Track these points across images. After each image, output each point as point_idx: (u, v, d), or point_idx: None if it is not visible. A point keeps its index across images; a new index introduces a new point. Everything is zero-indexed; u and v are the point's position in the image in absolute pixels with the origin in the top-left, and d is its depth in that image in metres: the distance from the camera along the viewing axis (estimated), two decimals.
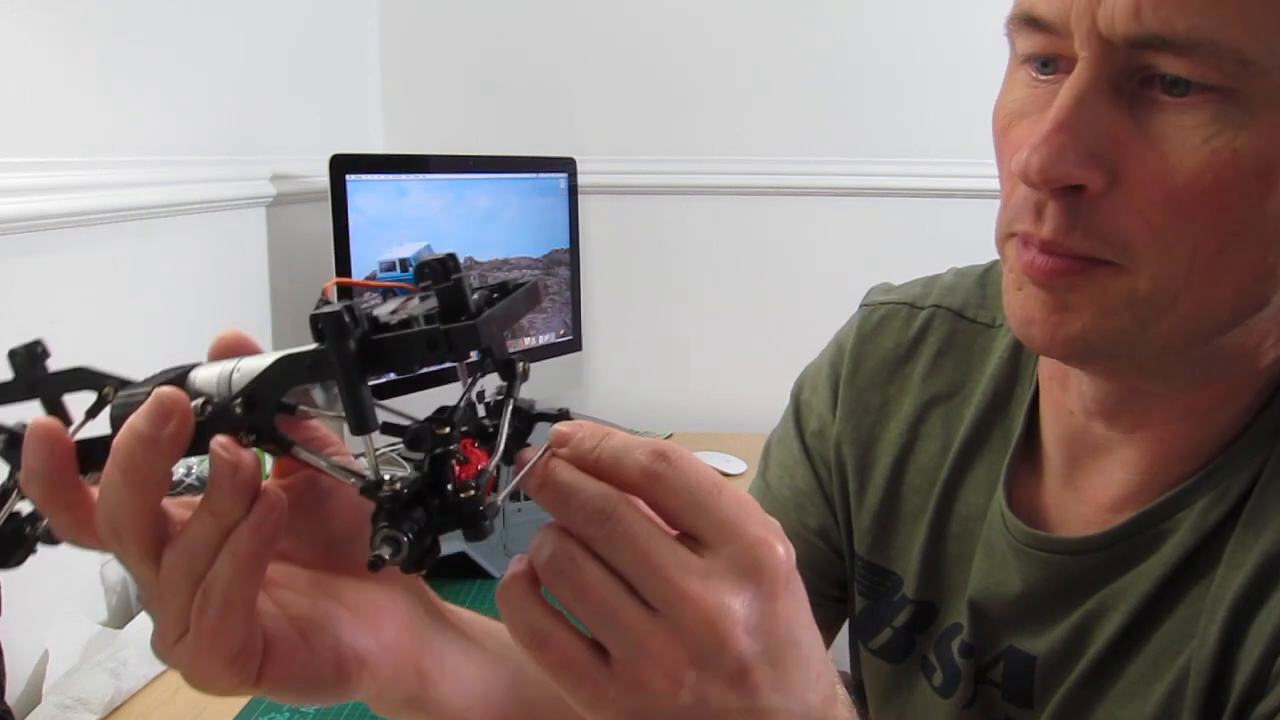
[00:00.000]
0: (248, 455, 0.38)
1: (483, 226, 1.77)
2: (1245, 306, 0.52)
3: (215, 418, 0.39)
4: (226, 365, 0.40)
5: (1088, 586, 0.60)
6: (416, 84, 2.10)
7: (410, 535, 0.35)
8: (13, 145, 1.12)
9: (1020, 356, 0.68)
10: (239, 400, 0.38)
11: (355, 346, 0.36)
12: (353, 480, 0.38)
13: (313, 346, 0.37)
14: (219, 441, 0.38)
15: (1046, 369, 0.65)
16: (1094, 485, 0.62)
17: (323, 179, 1.50)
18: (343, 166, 1.51)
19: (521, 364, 0.41)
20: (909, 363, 0.71)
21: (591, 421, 0.42)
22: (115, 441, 0.38)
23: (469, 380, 0.41)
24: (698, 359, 2.15)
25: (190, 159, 1.46)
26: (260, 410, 0.38)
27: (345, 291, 0.40)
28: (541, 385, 1.92)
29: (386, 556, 0.35)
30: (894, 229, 2.05)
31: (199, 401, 0.39)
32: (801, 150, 2.05)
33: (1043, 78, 0.53)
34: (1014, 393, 0.67)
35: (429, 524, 0.36)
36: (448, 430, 0.37)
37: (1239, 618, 0.54)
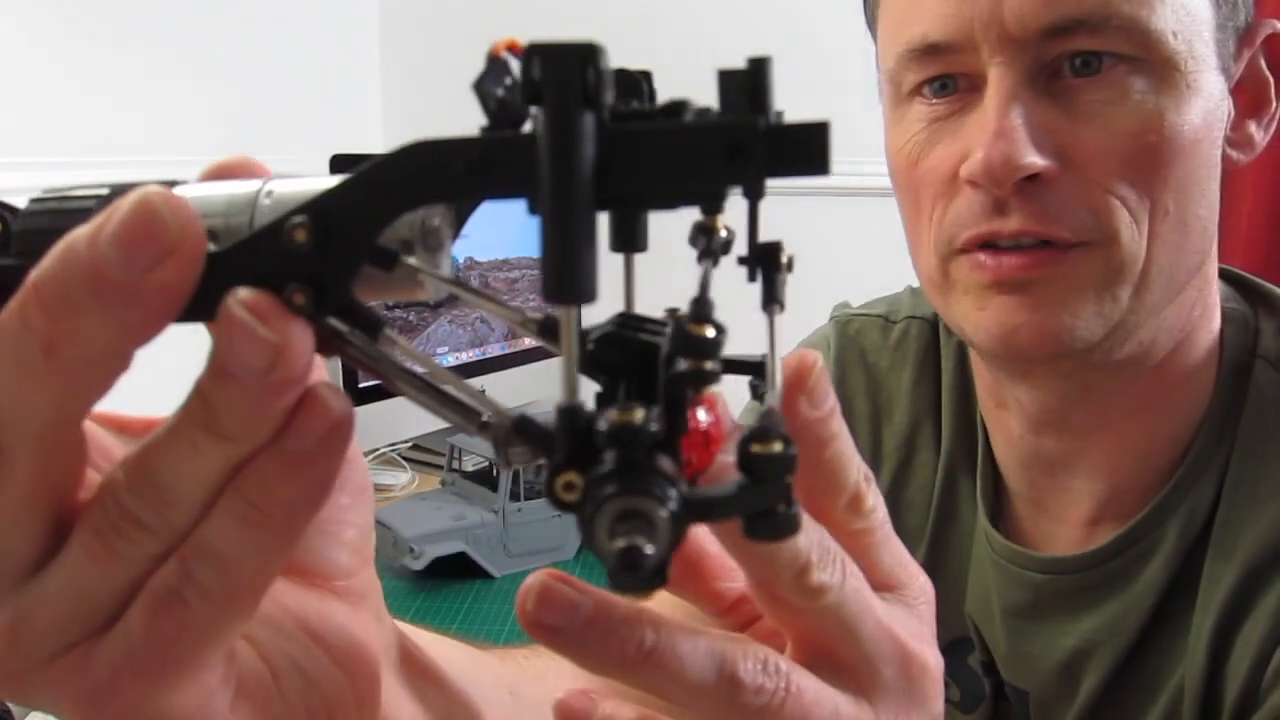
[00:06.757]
0: (299, 328, 0.21)
1: (483, 226, 1.77)
2: (1194, 266, 0.54)
3: (243, 253, 0.21)
4: (247, 185, 0.24)
5: (1070, 610, 0.59)
6: (416, 84, 2.10)
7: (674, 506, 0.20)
8: (13, 145, 1.12)
9: (966, 368, 0.67)
10: (300, 223, 0.21)
11: (594, 130, 0.20)
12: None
13: (474, 134, 0.21)
14: (246, 299, 0.21)
15: (983, 392, 0.64)
16: (1061, 504, 0.61)
17: None
18: (343, 166, 1.49)
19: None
20: (894, 372, 0.71)
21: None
22: (40, 272, 0.21)
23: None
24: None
25: (190, 159, 1.45)
26: (343, 247, 0.21)
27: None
28: (541, 385, 1.92)
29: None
30: (892, 229, 2.05)
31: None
32: None
33: (940, 100, 0.54)
34: (971, 406, 0.67)
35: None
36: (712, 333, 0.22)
37: (1224, 633, 0.54)
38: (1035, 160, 0.50)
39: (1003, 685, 0.64)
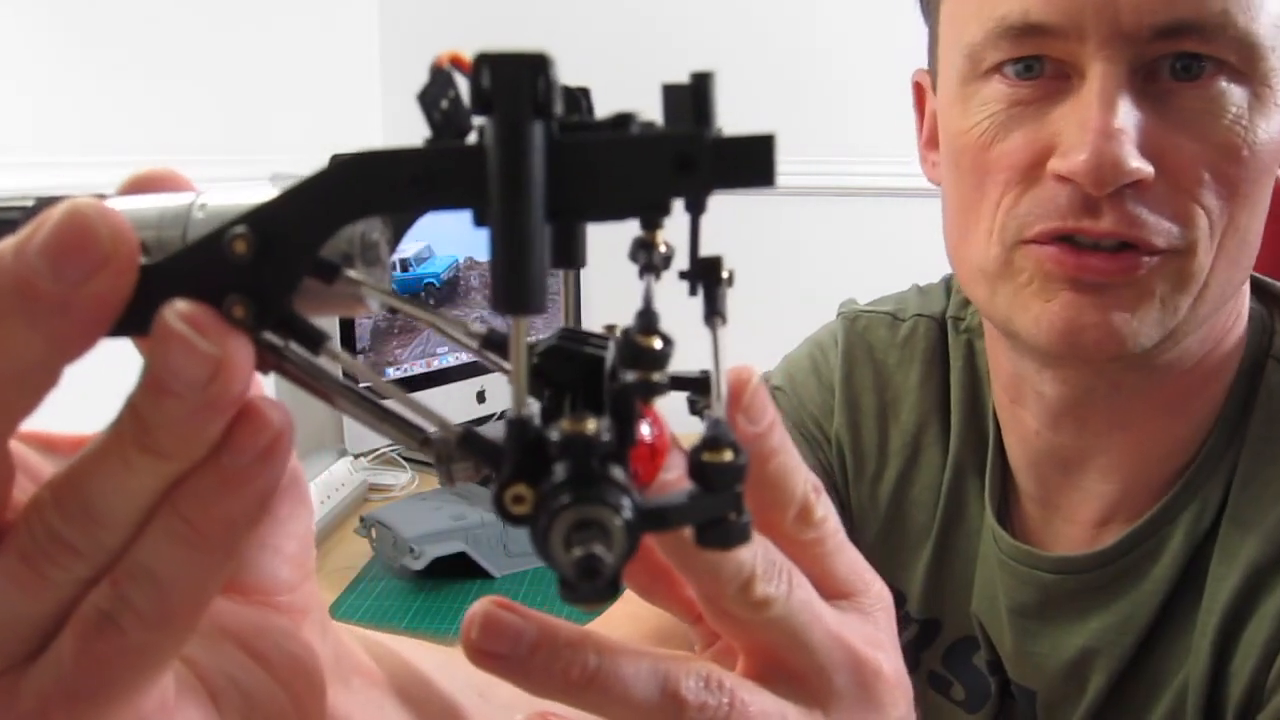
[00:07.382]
0: (239, 341, 0.20)
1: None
2: (1241, 281, 0.55)
3: (179, 265, 0.21)
4: (179, 198, 0.24)
5: (1079, 610, 0.59)
6: (416, 84, 2.10)
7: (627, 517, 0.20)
8: (12, 144, 1.12)
9: (975, 366, 0.67)
10: (240, 234, 0.20)
11: (543, 140, 0.20)
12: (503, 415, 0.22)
13: (418, 145, 0.21)
14: (184, 311, 0.20)
15: (999, 388, 0.63)
16: (1072, 503, 0.61)
17: None
18: None
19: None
20: (902, 370, 0.70)
21: None
22: None
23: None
24: (697, 359, 2.15)
25: (190, 159, 1.46)
26: (284, 259, 0.21)
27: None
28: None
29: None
30: (892, 229, 2.05)
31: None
32: (791, 150, 2.05)
33: (1024, 82, 0.52)
34: (981, 400, 0.66)
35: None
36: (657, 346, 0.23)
37: (1228, 632, 0.54)
38: (1141, 166, 0.49)
39: (1009, 684, 0.64)
